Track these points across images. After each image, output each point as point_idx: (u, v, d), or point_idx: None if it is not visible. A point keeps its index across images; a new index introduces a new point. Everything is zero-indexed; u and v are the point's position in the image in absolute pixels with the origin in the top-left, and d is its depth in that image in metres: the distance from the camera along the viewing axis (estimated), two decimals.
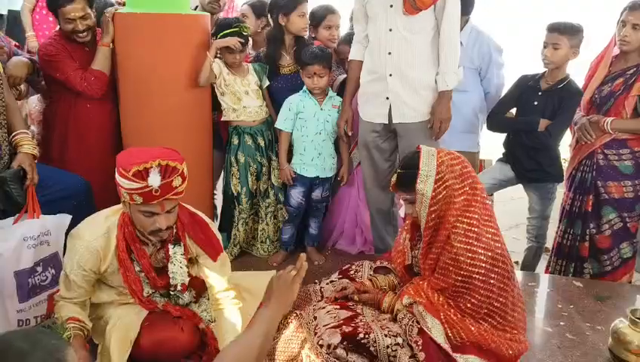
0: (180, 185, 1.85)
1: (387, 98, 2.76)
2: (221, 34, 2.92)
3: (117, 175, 1.82)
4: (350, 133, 3.01)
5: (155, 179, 1.77)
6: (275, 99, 3.14)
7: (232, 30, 2.91)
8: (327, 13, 3.28)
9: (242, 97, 3.01)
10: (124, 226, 1.96)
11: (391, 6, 2.64)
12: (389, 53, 2.69)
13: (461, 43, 2.85)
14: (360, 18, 2.83)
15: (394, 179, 2.07)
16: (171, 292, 2.11)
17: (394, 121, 2.78)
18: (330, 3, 3.41)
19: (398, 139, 2.84)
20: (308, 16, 3.18)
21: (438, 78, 2.70)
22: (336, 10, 3.37)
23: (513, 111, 3.15)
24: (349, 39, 3.11)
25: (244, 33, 2.94)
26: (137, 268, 2.03)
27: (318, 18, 3.29)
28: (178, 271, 2.05)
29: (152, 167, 1.77)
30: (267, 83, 3.10)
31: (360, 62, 2.87)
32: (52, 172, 2.52)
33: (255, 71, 3.07)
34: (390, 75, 2.72)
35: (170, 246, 2.04)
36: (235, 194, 3.08)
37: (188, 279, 2.09)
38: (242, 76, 3.02)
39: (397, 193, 2.09)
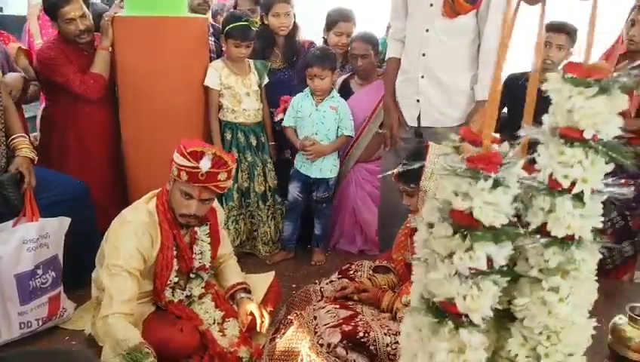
0: (223, 181, 2.00)
1: (418, 100, 2.69)
2: (230, 27, 2.93)
3: (176, 152, 1.98)
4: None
5: (205, 164, 1.93)
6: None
7: (240, 23, 2.92)
8: (340, 19, 3.27)
9: (242, 99, 3.02)
10: (164, 210, 2.06)
11: (431, 5, 2.55)
12: (423, 55, 2.62)
13: None
14: (399, 14, 2.73)
15: (398, 169, 2.08)
16: (191, 275, 2.18)
17: (422, 125, 2.71)
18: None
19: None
20: (325, 17, 3.26)
21: (477, 86, 2.63)
22: (353, 17, 3.33)
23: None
24: (363, 36, 3.12)
25: (253, 27, 2.96)
26: (175, 252, 2.10)
27: (330, 22, 3.29)
28: (205, 251, 2.17)
29: (207, 153, 1.94)
30: (266, 80, 3.12)
31: (398, 61, 2.77)
32: (49, 174, 2.53)
33: (256, 68, 3.08)
34: (422, 77, 2.65)
35: (197, 228, 2.15)
36: (226, 190, 3.08)
37: (210, 259, 2.20)
38: (244, 75, 3.03)
39: (398, 183, 2.10)
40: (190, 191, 1.98)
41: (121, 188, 3.00)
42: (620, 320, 2.20)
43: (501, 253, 0.68)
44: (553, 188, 0.58)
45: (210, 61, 3.08)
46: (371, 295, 2.15)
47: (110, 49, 2.84)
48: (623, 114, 2.64)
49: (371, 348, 1.90)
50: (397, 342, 1.92)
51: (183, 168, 1.94)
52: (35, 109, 3.59)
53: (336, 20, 3.28)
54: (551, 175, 0.58)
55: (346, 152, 3.22)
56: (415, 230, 2.18)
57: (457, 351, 0.69)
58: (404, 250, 2.26)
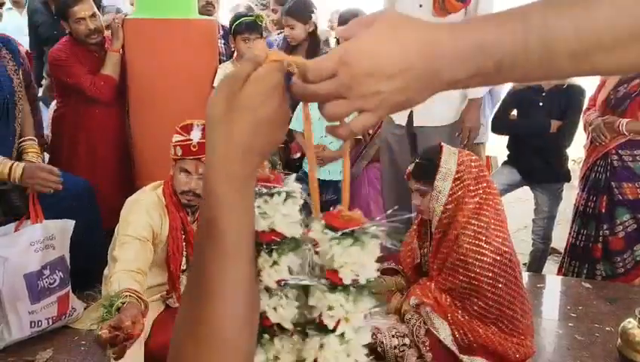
0: None
1: None
2: (236, 23, 2.96)
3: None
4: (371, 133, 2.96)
5: (196, 134, 1.96)
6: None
7: (246, 18, 2.95)
8: (351, 18, 3.29)
9: None
10: (170, 193, 2.09)
11: (420, 6, 2.59)
12: None
13: None
14: None
15: (411, 167, 2.08)
16: None
17: (415, 124, 2.74)
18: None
19: (417, 142, 2.81)
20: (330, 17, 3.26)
21: None
22: (364, 14, 3.39)
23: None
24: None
25: (259, 23, 2.98)
26: (183, 235, 2.11)
27: (342, 22, 3.32)
28: None
29: (197, 125, 1.98)
30: None
31: None
32: None
33: None
34: None
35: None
36: None
37: None
38: None
39: (411, 182, 2.10)
40: (187, 167, 2.01)
41: (130, 188, 3.00)
42: (630, 323, 2.19)
43: (298, 262, 0.74)
44: (322, 326, 0.64)
45: (220, 63, 3.10)
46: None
47: (121, 51, 2.87)
48: (634, 117, 2.64)
49: (378, 350, 1.90)
50: (405, 345, 1.92)
51: (177, 144, 1.99)
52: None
53: (347, 19, 3.30)
54: (320, 315, 0.65)
55: (359, 153, 3.22)
56: (421, 231, 2.20)
57: (273, 359, 0.74)
58: (411, 252, 2.27)
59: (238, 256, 0.56)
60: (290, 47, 3.20)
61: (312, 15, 3.18)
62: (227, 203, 0.54)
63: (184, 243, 2.11)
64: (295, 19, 3.11)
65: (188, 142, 1.96)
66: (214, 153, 0.55)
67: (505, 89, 3.26)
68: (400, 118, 2.78)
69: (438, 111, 2.70)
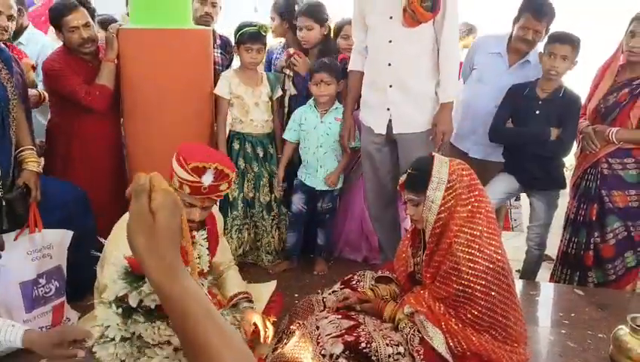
0: (224, 190, 2.02)
1: (388, 109, 2.77)
2: (240, 33, 2.99)
3: (175, 162, 1.96)
4: (352, 143, 3.02)
5: (208, 179, 1.93)
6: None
7: (249, 28, 2.97)
8: (345, 23, 3.31)
9: (250, 110, 3.05)
10: None
11: (390, 17, 2.65)
12: (389, 65, 2.70)
13: None
14: (359, 28, 2.83)
15: (403, 178, 2.10)
16: None
17: (394, 132, 2.79)
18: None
19: (398, 149, 2.86)
20: (334, 27, 3.30)
21: (439, 90, 2.72)
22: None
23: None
24: None
25: (263, 33, 3.00)
26: None
27: (337, 29, 3.36)
28: (203, 255, 2.15)
29: (209, 168, 1.92)
30: (279, 94, 3.15)
31: (360, 73, 2.88)
32: (47, 181, 2.55)
33: (269, 80, 3.12)
34: (390, 86, 2.73)
35: (195, 232, 2.13)
36: (231, 199, 3.10)
37: (208, 263, 2.19)
38: (254, 86, 3.06)
39: (403, 193, 2.12)
40: (193, 202, 2.00)
41: (124, 198, 3.01)
42: (621, 330, 2.21)
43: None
44: None
45: (215, 73, 3.12)
46: (373, 305, 2.17)
47: (115, 61, 2.87)
48: (623, 125, 2.68)
49: (373, 358, 1.90)
50: (399, 353, 1.93)
51: (185, 182, 1.93)
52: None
53: (342, 25, 3.33)
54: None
55: (354, 161, 3.22)
56: (415, 240, 2.21)
57: None
58: (405, 261, 2.28)
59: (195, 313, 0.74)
60: (303, 50, 3.20)
61: (328, 17, 3.21)
62: (167, 286, 0.73)
63: None
64: (313, 20, 3.12)
65: (198, 185, 1.92)
66: (151, 273, 0.74)
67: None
68: (379, 127, 2.82)
69: (415, 117, 2.76)
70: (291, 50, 3.17)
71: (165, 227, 0.74)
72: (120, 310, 1.66)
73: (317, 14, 3.14)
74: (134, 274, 1.64)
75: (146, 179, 0.76)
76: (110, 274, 1.82)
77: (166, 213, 0.74)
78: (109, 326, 1.66)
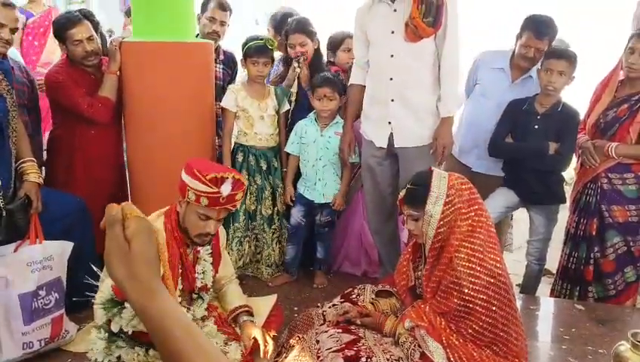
0: (239, 199, 2.06)
1: (389, 123, 2.78)
2: (247, 46, 3.02)
3: (188, 176, 1.97)
4: (353, 157, 3.04)
5: (227, 188, 1.96)
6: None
7: (256, 42, 3.00)
8: (346, 37, 3.35)
9: (255, 123, 3.07)
10: (171, 229, 2.08)
11: (392, 32, 2.67)
12: (391, 79, 2.72)
13: None
14: (361, 43, 2.86)
15: (402, 193, 2.11)
16: (194, 296, 2.18)
17: (396, 146, 2.80)
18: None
19: (399, 162, 2.87)
20: (327, 41, 3.35)
21: (440, 104, 2.73)
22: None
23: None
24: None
25: (269, 47, 3.02)
26: (179, 270, 2.10)
27: (336, 43, 3.39)
28: (207, 271, 2.18)
29: (228, 178, 1.96)
30: (286, 107, 3.17)
31: (361, 87, 2.90)
32: (48, 192, 2.54)
33: (276, 95, 3.13)
34: (392, 100, 2.75)
35: (200, 248, 2.16)
36: (233, 211, 3.10)
37: (211, 279, 2.22)
38: (260, 99, 3.08)
39: (403, 208, 2.12)
40: (209, 214, 2.01)
41: None
42: (622, 346, 2.19)
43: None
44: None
45: (215, 87, 3.14)
46: (374, 319, 2.16)
47: (118, 73, 2.89)
48: (623, 140, 2.69)
49: None
50: None
51: (203, 194, 1.94)
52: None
53: (343, 38, 3.35)
54: None
55: (354, 174, 3.22)
56: (416, 254, 2.21)
57: None
58: (405, 275, 2.28)
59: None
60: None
61: (315, 32, 3.25)
62: (147, 308, 0.76)
63: (180, 278, 2.10)
64: (305, 36, 3.16)
65: (217, 195, 1.94)
66: (132, 297, 0.76)
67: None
68: (380, 141, 2.83)
69: (416, 131, 2.77)
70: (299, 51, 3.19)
71: (141, 252, 0.77)
72: (106, 334, 1.78)
73: (308, 29, 3.19)
74: (115, 301, 1.73)
75: (118, 209, 0.78)
76: (106, 286, 1.87)
77: (141, 238, 0.77)
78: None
